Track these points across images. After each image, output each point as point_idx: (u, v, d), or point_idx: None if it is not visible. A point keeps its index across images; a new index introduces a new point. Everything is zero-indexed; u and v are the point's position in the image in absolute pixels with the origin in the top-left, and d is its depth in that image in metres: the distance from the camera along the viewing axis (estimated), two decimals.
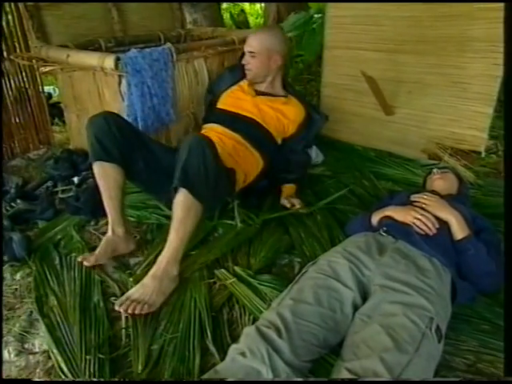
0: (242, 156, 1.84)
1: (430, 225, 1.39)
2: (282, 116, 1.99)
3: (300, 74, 4.12)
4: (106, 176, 1.59)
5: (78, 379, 1.13)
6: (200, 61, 2.28)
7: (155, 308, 1.35)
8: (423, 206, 1.49)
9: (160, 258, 1.44)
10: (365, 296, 1.23)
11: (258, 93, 2.02)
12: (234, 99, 2.04)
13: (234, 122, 1.94)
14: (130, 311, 1.30)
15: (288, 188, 2.05)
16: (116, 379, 1.15)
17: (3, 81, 2.38)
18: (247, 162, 1.86)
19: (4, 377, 1.14)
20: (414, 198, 1.57)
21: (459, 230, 1.42)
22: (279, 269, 1.61)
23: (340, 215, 1.91)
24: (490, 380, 0.88)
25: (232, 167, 1.72)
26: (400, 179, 2.30)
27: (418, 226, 1.39)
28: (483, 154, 2.39)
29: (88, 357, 1.17)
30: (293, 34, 3.46)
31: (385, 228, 1.43)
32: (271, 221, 1.85)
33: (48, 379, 1.15)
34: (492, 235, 1.54)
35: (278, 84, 2.06)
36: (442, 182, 1.72)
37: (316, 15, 3.90)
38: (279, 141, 2.04)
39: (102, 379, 1.13)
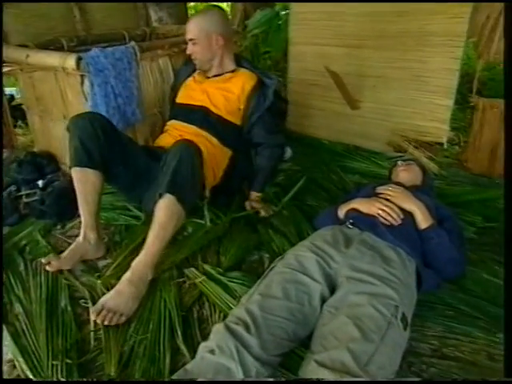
0: (205, 150, 1.78)
1: (394, 215, 1.42)
2: (229, 92, 1.92)
3: (268, 71, 4.13)
4: (85, 181, 1.55)
5: None
6: (165, 59, 2.25)
7: (130, 314, 1.33)
8: (388, 197, 1.52)
9: (136, 262, 1.41)
10: (332, 288, 1.24)
11: (209, 77, 1.99)
12: (187, 91, 2.02)
13: (187, 114, 1.92)
14: (106, 322, 1.27)
15: (253, 193, 2.01)
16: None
17: None
18: (211, 154, 1.82)
19: None
20: (379, 189, 1.60)
21: (423, 220, 1.46)
22: (249, 265, 1.62)
23: (308, 209, 1.94)
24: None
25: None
26: (367, 172, 2.35)
27: (383, 217, 1.42)
28: (445, 146, 2.46)
29: (55, 363, 1.15)
30: (258, 31, 3.46)
31: (351, 220, 1.46)
32: (240, 219, 1.86)
33: None
34: (454, 223, 1.60)
35: (227, 62, 1.99)
36: (406, 174, 1.77)
37: (282, 12, 3.91)
38: (238, 121, 1.96)
39: None
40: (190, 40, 1.90)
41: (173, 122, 1.97)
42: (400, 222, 1.42)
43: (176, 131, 1.88)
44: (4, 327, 1.30)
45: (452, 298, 1.43)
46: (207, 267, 1.54)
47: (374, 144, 2.60)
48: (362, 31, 2.44)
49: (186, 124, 1.90)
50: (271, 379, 1.05)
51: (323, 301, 1.21)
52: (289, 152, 2.50)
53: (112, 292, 1.35)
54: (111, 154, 1.60)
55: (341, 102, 2.61)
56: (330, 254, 1.29)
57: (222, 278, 1.47)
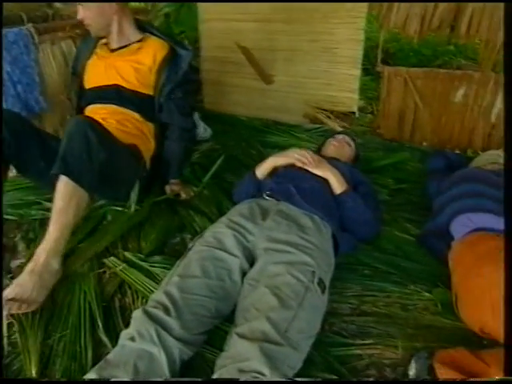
0: (131, 126, 1.75)
1: (309, 158, 1.54)
2: (139, 64, 1.78)
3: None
4: None
5: None
6: (68, 42, 2.12)
7: (37, 305, 1.26)
8: (303, 165, 1.56)
9: (38, 251, 1.33)
10: (252, 261, 1.26)
11: (114, 50, 1.84)
12: (94, 72, 1.86)
13: (101, 96, 1.80)
14: (5, 312, 1.19)
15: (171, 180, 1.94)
16: None
17: None
18: (138, 129, 1.78)
19: None
20: None
21: (338, 186, 1.53)
22: (171, 248, 1.60)
23: (229, 187, 1.93)
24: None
25: (132, 142, 1.67)
26: (286, 145, 2.38)
27: (299, 161, 1.54)
28: (357, 114, 2.56)
29: None
30: (169, 10, 3.35)
31: (268, 192, 1.48)
32: (160, 203, 1.82)
33: None
34: (368, 187, 1.69)
35: (129, 30, 1.82)
36: (334, 149, 1.86)
37: None
38: (154, 93, 1.83)
39: None
40: (81, 5, 1.73)
41: (90, 107, 1.82)
42: (314, 164, 1.53)
43: (96, 115, 1.71)
44: None
45: (368, 258, 1.50)
46: (128, 254, 1.50)
47: (290, 117, 2.65)
48: (270, 5, 2.44)
49: (103, 105, 1.78)
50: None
51: (243, 274, 1.22)
52: (208, 131, 2.48)
53: (11, 286, 1.26)
54: (24, 151, 1.53)
55: (255, 78, 2.62)
56: (246, 227, 1.31)
57: (143, 263, 1.44)
